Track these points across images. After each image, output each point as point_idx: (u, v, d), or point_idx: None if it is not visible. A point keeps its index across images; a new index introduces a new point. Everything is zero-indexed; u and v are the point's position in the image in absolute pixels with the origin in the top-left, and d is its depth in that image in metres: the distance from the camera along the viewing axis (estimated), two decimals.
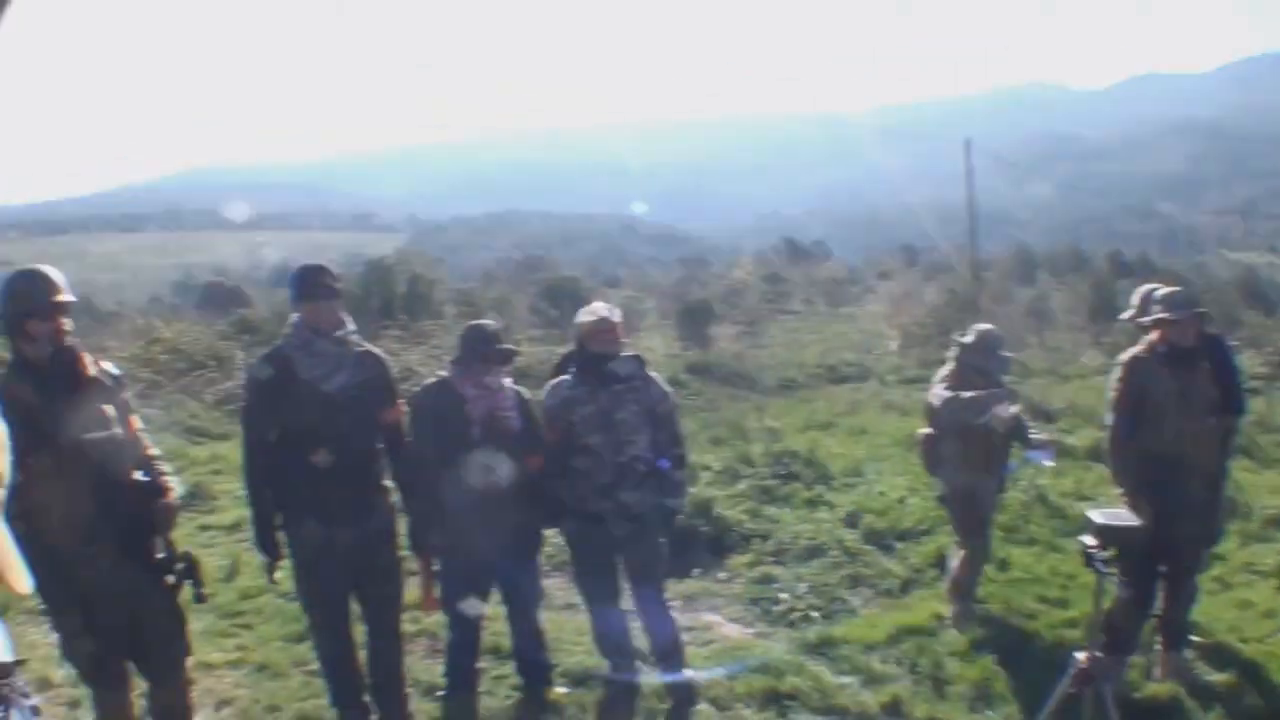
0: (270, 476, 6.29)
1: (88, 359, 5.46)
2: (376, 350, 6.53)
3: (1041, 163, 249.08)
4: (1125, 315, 8.40)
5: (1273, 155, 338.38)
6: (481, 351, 6.64)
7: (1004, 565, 9.95)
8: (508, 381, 6.87)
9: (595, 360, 6.80)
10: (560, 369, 7.17)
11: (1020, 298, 46.29)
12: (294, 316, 6.29)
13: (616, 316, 6.92)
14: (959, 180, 45.25)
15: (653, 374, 7.04)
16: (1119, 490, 7.43)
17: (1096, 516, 5.59)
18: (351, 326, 6.31)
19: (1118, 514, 5.71)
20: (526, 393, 7.07)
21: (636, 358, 6.94)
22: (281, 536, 6.35)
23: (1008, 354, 8.70)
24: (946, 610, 8.61)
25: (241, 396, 6.74)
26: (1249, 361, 27.30)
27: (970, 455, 8.38)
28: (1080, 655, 5.60)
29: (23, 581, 1.51)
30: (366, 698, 6.69)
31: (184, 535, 8.29)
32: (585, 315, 6.92)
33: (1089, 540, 5.54)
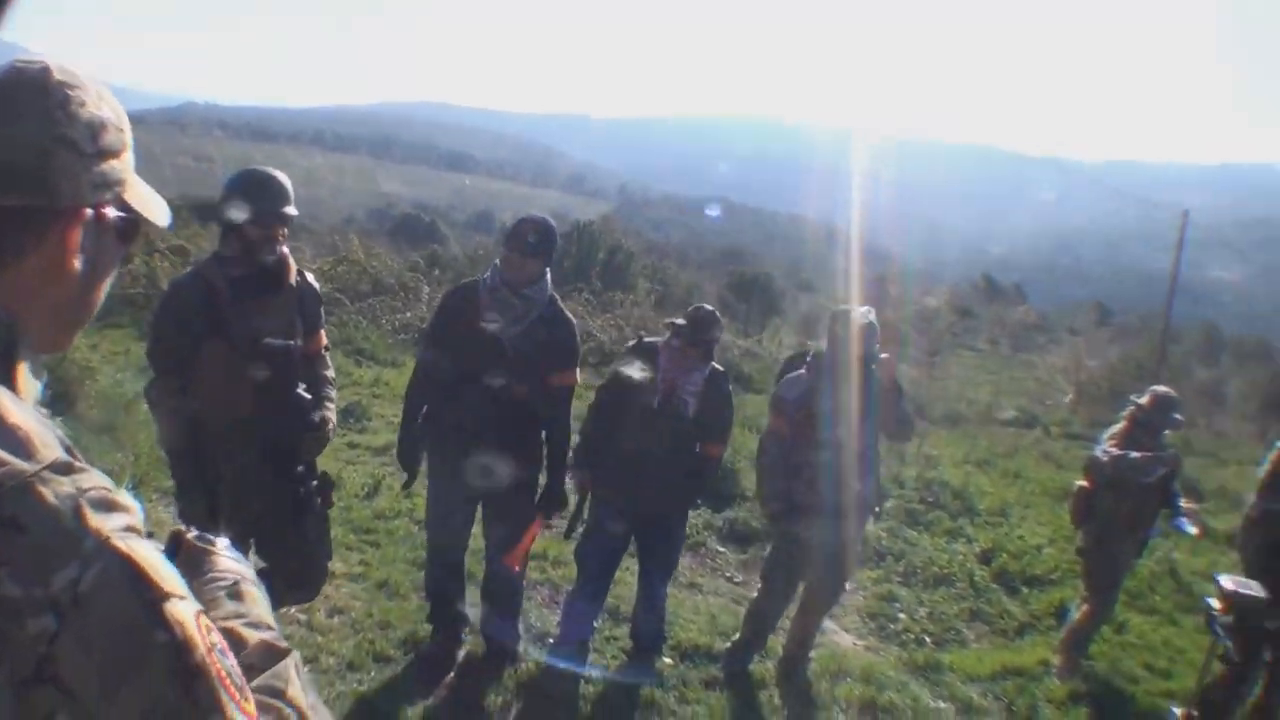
0: (429, 397, 6.57)
1: (293, 267, 5.66)
2: (569, 315, 6.68)
3: (1252, 247, 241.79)
4: None
5: None
6: (691, 333, 6.85)
7: (1121, 628, 9.96)
8: (711, 368, 7.06)
9: (842, 358, 6.99)
10: (790, 367, 7.50)
11: (1200, 376, 45.30)
12: (496, 259, 6.55)
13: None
14: (1168, 248, 44.44)
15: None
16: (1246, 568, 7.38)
17: (1226, 582, 5.68)
18: (546, 286, 6.47)
19: (1247, 583, 5.78)
20: (728, 385, 7.28)
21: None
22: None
23: (1180, 417, 8.74)
24: (1055, 659, 8.67)
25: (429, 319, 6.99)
26: None
27: (1121, 514, 8.43)
28: (1178, 710, 5.68)
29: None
30: (462, 608, 6.99)
31: (332, 449, 8.60)
32: (858, 316, 7.05)
33: (1214, 603, 5.62)
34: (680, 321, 6.95)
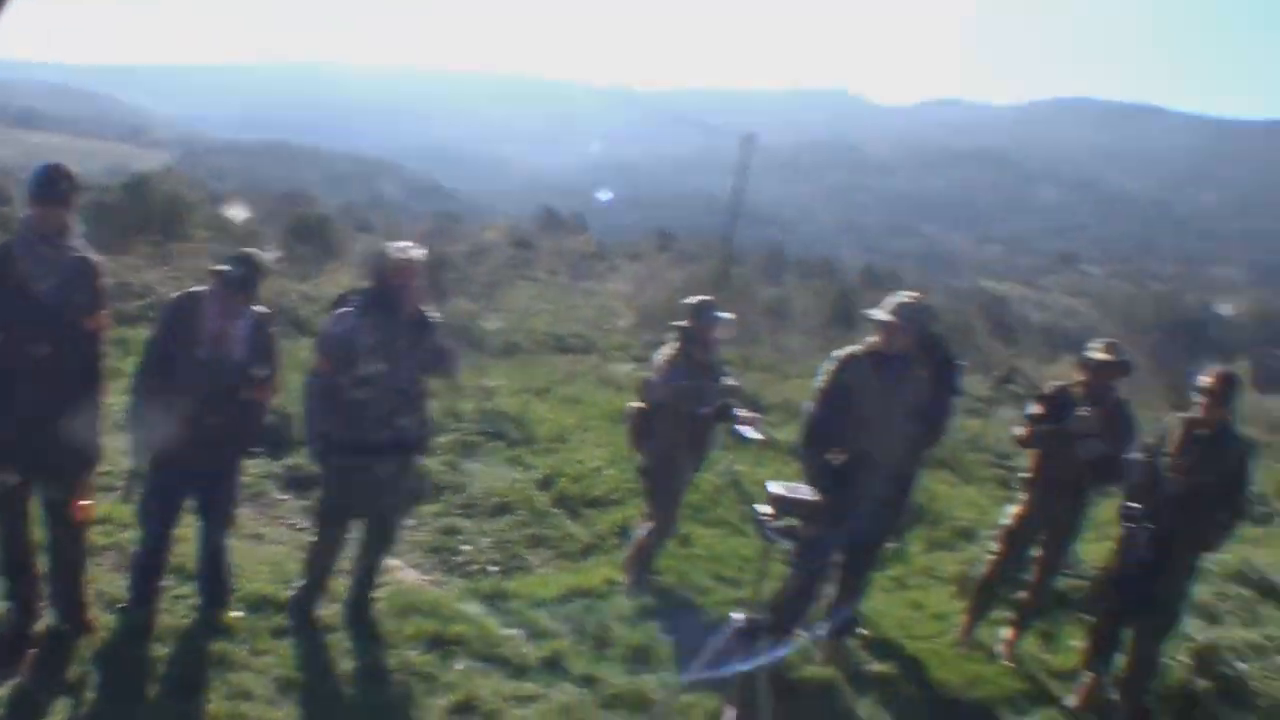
0: None
1: None
2: (93, 257, 6.46)
3: (817, 168, 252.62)
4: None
5: (1049, 194, 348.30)
6: (231, 277, 6.73)
7: (687, 541, 10.26)
8: (256, 310, 6.97)
9: (390, 295, 7.00)
10: (338, 306, 7.31)
11: (763, 295, 46.95)
12: (23, 215, 6.36)
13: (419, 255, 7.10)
14: (732, 172, 45.75)
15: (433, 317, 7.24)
16: (805, 475, 7.66)
17: (774, 487, 5.76)
18: (78, 233, 6.33)
19: (796, 487, 5.88)
20: (272, 326, 7.19)
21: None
22: None
23: (722, 315, 8.91)
24: (622, 577, 8.87)
25: None
26: (976, 384, 28.32)
27: (678, 431, 8.66)
28: (738, 616, 5.78)
29: None
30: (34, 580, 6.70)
31: None
32: (395, 251, 7.10)
33: (763, 509, 5.71)
34: (224, 268, 6.81)
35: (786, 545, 5.75)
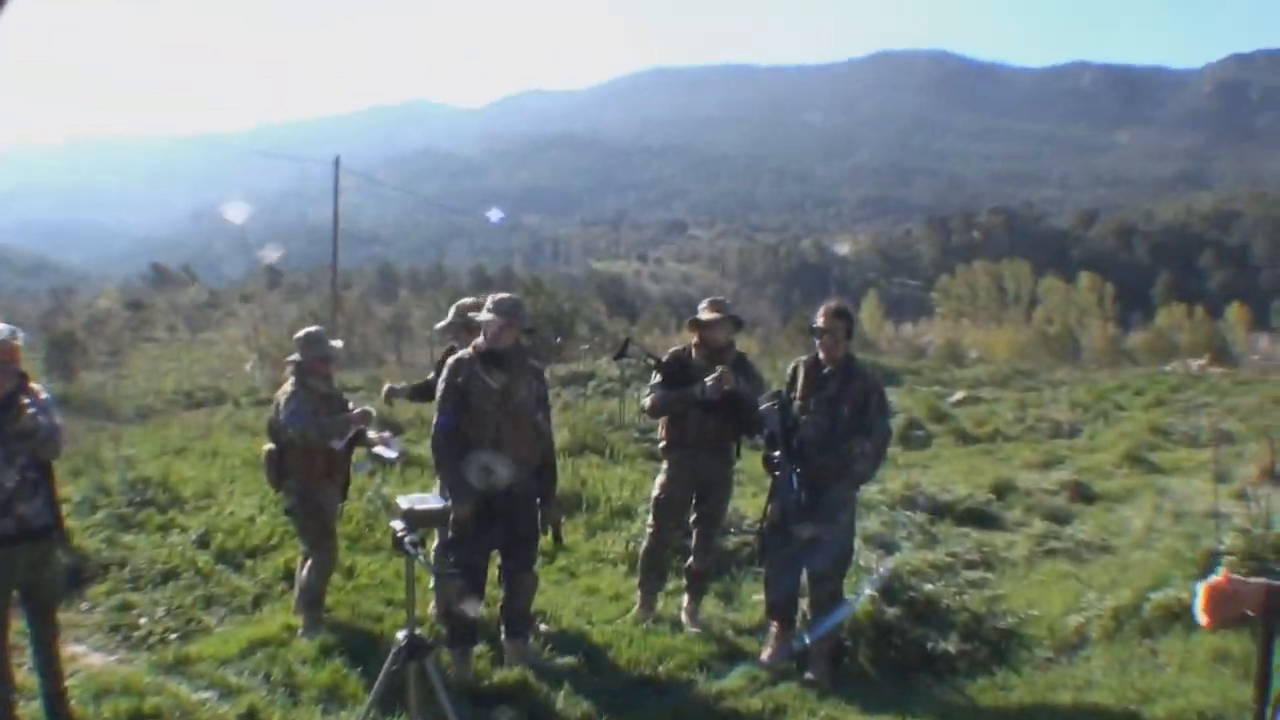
0: None
1: None
2: None
3: (411, 180, 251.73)
4: (438, 325, 9.11)
5: (644, 167, 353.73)
6: None
7: (351, 573, 10.38)
8: None
9: None
10: None
11: (381, 313, 46.88)
12: None
13: (17, 338, 6.86)
14: (330, 199, 45.46)
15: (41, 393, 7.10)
16: (443, 482, 7.96)
17: (403, 501, 5.88)
18: None
19: (423, 498, 6.07)
20: None
21: (22, 374, 6.90)
22: None
23: (334, 343, 9.25)
24: (297, 620, 8.90)
25: None
26: (606, 366, 28.94)
27: (315, 465, 8.76)
28: (400, 634, 5.89)
29: None
30: None
31: None
32: None
33: (397, 524, 5.90)
34: None
35: (423, 558, 5.81)
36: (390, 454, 8.96)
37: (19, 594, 7.09)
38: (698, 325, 9.20)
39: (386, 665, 5.96)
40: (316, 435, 8.57)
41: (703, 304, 9.37)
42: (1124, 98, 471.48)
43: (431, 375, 9.53)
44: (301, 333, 9.20)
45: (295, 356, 8.96)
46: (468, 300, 9.45)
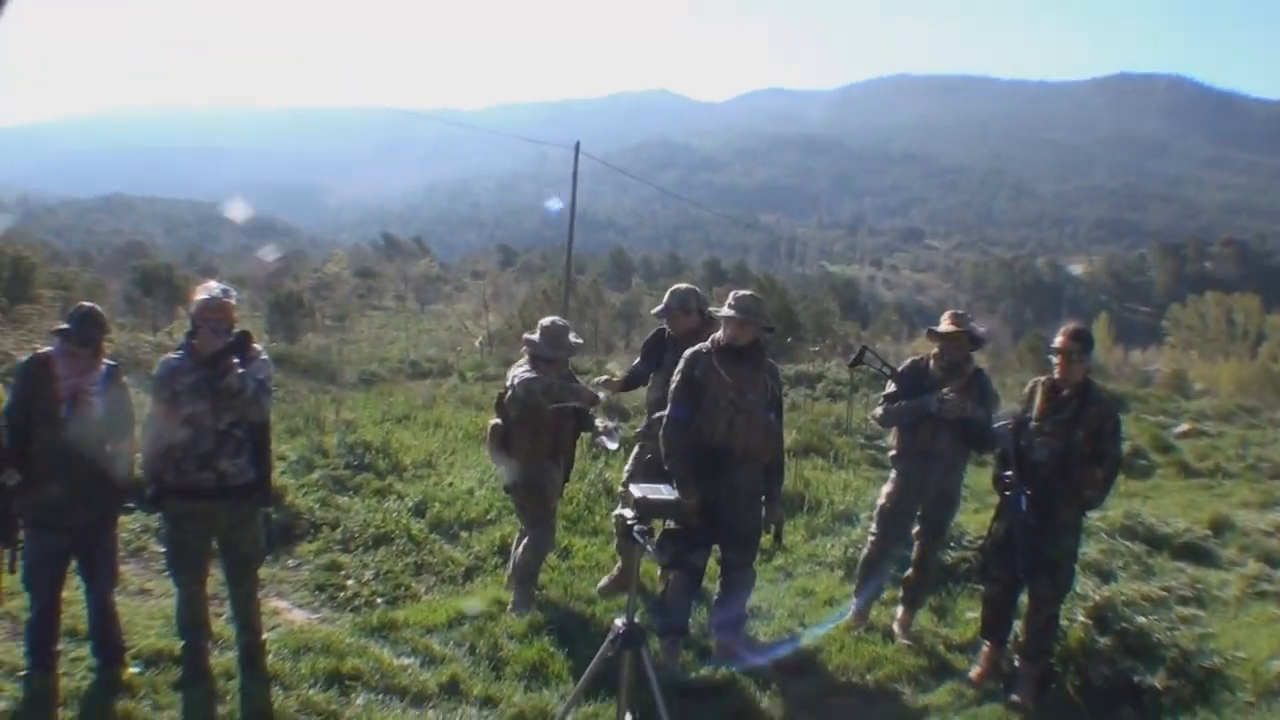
0: None
1: None
2: None
3: (648, 170, 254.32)
4: (654, 310, 8.86)
5: (884, 173, 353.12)
6: (74, 333, 6.74)
7: (566, 554, 10.31)
8: (107, 363, 6.97)
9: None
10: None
11: (612, 299, 47.04)
12: None
13: (230, 297, 6.92)
14: (567, 183, 45.77)
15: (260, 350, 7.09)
16: (672, 474, 7.71)
17: (636, 490, 5.73)
18: None
19: (656, 488, 5.87)
20: (126, 377, 7.15)
21: (244, 333, 6.90)
22: None
23: (575, 340, 9.02)
24: (508, 596, 8.85)
25: None
26: (835, 369, 28.64)
27: (538, 444, 8.68)
28: (619, 621, 5.73)
29: None
30: None
31: None
32: (200, 293, 6.94)
33: (626, 512, 5.70)
34: (64, 326, 6.81)
35: (651, 548, 5.64)
36: (612, 445, 8.77)
37: (218, 548, 7.18)
38: (937, 336, 8.94)
39: (602, 650, 5.84)
40: (542, 391, 8.46)
41: (945, 315, 9.14)
42: None
43: (638, 362, 9.57)
44: (547, 321, 9.09)
45: (534, 338, 8.86)
46: (682, 286, 9.20)
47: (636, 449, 9.37)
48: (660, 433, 8.02)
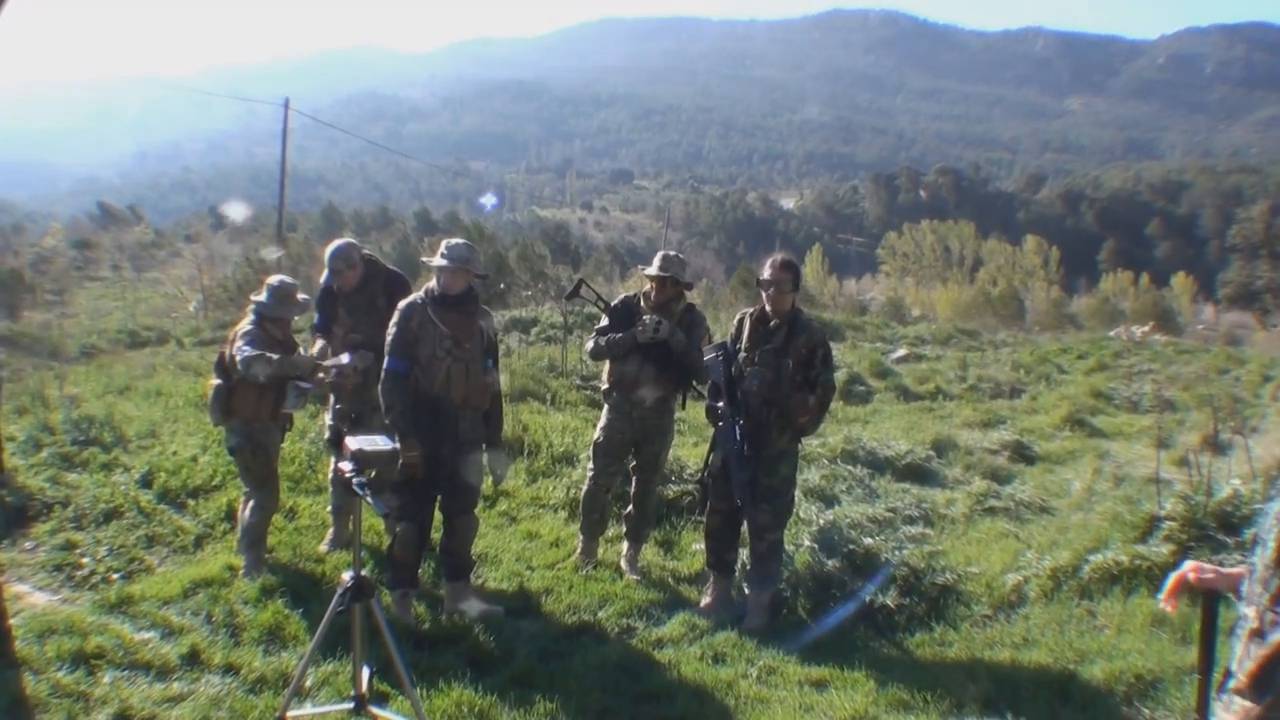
0: None
1: None
2: None
3: (357, 124, 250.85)
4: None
5: (592, 116, 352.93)
6: None
7: (292, 514, 10.45)
8: None
9: None
10: None
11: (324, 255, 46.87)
12: None
13: None
14: (276, 141, 45.26)
15: None
16: (393, 427, 7.86)
17: (352, 443, 5.82)
18: None
19: (374, 440, 5.98)
20: None
21: None
22: None
23: (304, 297, 9.18)
24: (239, 561, 8.93)
25: None
26: (549, 313, 28.95)
27: (262, 405, 8.81)
28: (347, 575, 5.87)
29: None
30: None
31: None
32: None
33: (346, 465, 5.86)
34: None
35: (372, 499, 5.71)
36: (307, 385, 8.87)
37: None
38: (649, 279, 9.30)
39: (332, 605, 5.90)
40: (263, 369, 8.49)
41: (657, 257, 9.42)
42: (1077, 65, 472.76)
43: (317, 319, 9.78)
44: (275, 281, 9.14)
45: (261, 298, 8.95)
46: (341, 242, 9.57)
47: (331, 400, 9.60)
48: (379, 386, 8.14)
